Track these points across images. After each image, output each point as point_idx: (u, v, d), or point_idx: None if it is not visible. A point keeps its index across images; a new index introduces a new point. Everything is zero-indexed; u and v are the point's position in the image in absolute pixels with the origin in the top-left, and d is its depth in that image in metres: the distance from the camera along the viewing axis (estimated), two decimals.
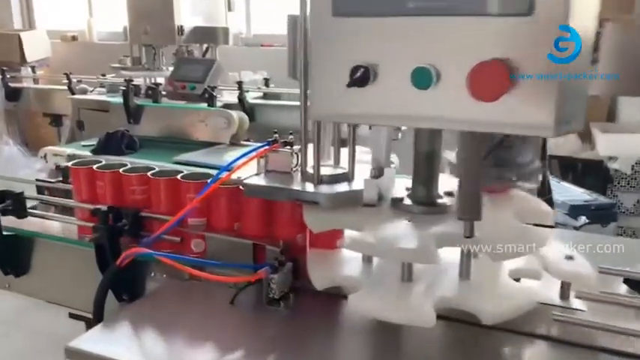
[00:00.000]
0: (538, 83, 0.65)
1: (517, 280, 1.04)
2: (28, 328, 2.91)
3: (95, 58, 4.46)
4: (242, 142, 2.71)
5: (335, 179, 1.10)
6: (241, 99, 3.14)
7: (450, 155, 1.08)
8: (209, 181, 1.16)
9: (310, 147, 1.06)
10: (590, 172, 3.29)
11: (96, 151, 2.37)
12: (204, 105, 2.88)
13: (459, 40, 0.68)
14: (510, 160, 1.05)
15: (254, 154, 1.13)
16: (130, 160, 1.57)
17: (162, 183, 1.26)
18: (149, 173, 1.28)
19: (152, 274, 1.28)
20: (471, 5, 0.68)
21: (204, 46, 3.64)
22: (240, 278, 1.08)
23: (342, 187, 1.07)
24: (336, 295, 1.08)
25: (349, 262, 1.09)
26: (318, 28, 0.78)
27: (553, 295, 1.06)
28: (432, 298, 0.91)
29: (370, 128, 1.09)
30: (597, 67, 0.79)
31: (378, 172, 1.03)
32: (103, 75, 3.92)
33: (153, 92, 2.99)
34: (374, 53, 0.73)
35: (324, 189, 1.05)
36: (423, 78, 0.69)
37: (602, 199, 2.71)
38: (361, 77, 0.72)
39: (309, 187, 1.07)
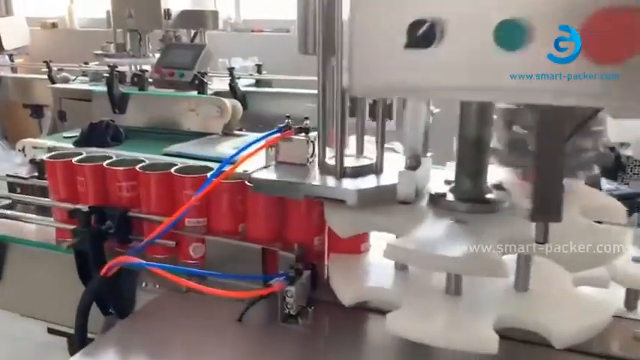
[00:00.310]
0: None
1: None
2: (8, 337, 2.71)
3: (77, 45, 4.25)
4: (235, 132, 2.54)
5: (359, 172, 0.92)
6: (233, 86, 2.96)
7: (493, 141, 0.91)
8: (209, 175, 0.98)
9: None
10: None
11: (78, 142, 2.18)
12: (195, 93, 2.71)
13: None
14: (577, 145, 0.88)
15: (263, 142, 0.95)
16: (115, 153, 1.39)
17: (153, 178, 1.07)
18: (138, 167, 1.10)
19: (144, 285, 1.10)
20: None
21: (192, 31, 3.47)
22: (251, 293, 0.90)
23: (370, 182, 0.89)
24: (361, 309, 0.92)
25: (379, 269, 0.91)
26: None
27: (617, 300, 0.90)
28: (490, 317, 0.74)
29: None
30: None
31: (414, 163, 0.85)
32: (86, 63, 3.72)
33: (139, 80, 2.80)
34: (441, 4, 0.55)
35: (349, 184, 0.88)
36: (509, 34, 0.52)
37: (624, 189, 2.55)
38: (425, 35, 0.54)
39: (331, 181, 0.89)
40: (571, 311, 0.78)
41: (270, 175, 0.93)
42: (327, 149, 0.95)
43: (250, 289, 0.92)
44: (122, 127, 2.39)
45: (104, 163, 1.12)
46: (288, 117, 0.96)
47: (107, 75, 2.66)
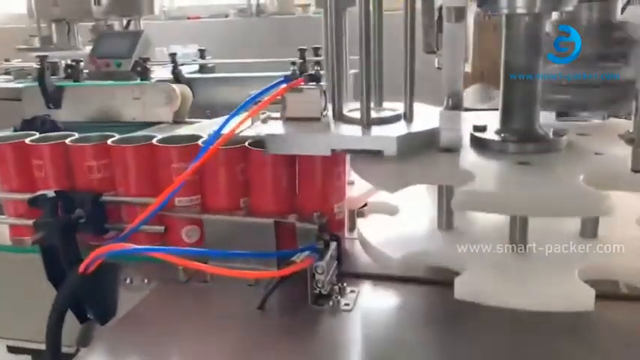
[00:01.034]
0: None
1: None
2: None
3: None
4: (187, 120, 2.37)
5: (386, 121, 0.79)
6: (176, 73, 2.75)
7: None
8: (206, 140, 0.82)
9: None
10: None
11: None
12: (137, 80, 2.50)
13: None
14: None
15: (269, 95, 0.80)
16: None
17: (130, 152, 0.90)
18: (109, 141, 0.92)
19: (127, 281, 0.92)
20: None
21: (125, 19, 3.24)
22: (271, 273, 0.75)
23: (404, 129, 0.76)
24: (401, 279, 0.79)
25: (420, 231, 0.78)
26: None
27: None
28: (574, 270, 0.62)
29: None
30: None
31: (457, 101, 0.72)
32: (7, 60, 3.42)
33: (73, 71, 2.55)
34: None
35: (383, 131, 0.74)
36: None
37: None
38: None
39: (359, 132, 0.75)
40: None
41: (281, 130, 0.78)
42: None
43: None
44: (59, 122, 2.16)
45: (67, 141, 0.93)
46: (293, 63, 0.82)
47: (38, 66, 2.41)
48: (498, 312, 0.61)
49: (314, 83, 0.82)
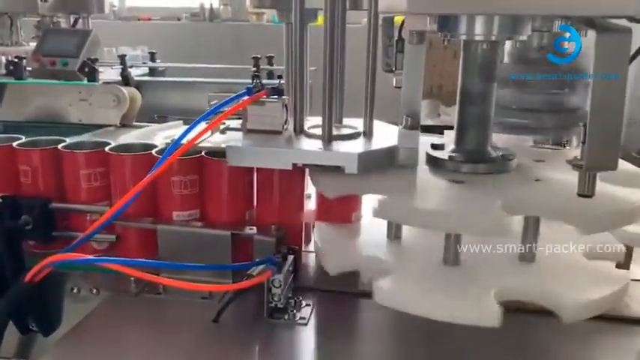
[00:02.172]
0: None
1: None
2: None
3: None
4: (135, 124, 2.31)
5: (347, 138, 0.80)
6: (125, 75, 2.68)
7: None
8: (167, 149, 0.80)
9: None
10: None
11: None
12: (85, 81, 2.43)
13: None
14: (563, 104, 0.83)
15: (230, 107, 0.80)
16: None
17: (82, 158, 0.87)
18: (60, 146, 0.89)
19: (74, 290, 0.89)
20: None
21: (73, 17, 3.14)
22: (226, 286, 0.75)
23: (363, 146, 0.78)
24: (357, 294, 0.80)
25: (369, 239, 0.80)
26: None
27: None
28: (491, 288, 0.65)
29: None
30: None
31: (414, 122, 0.75)
32: None
33: (16, 68, 2.44)
34: None
35: (344, 147, 0.75)
36: None
37: None
38: None
39: (319, 146, 0.76)
40: (581, 283, 0.71)
41: (244, 143, 0.78)
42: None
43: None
44: None
45: (14, 144, 0.89)
46: (257, 75, 0.82)
47: None
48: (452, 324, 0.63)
49: (276, 96, 0.82)
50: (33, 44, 2.86)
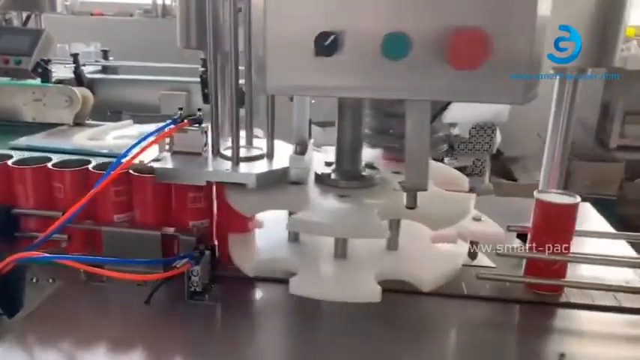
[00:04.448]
0: (511, 52, 0.66)
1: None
2: None
3: None
4: (87, 122, 2.46)
5: (252, 159, 1.03)
6: (78, 73, 2.81)
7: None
8: (108, 167, 1.01)
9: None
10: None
11: None
12: (37, 81, 2.55)
13: (435, 5, 0.66)
14: None
15: (161, 133, 1.01)
16: None
17: (30, 173, 1.08)
18: (9, 162, 1.09)
19: (33, 280, 1.09)
20: None
21: (25, 13, 3.22)
22: (162, 274, 0.97)
23: (264, 166, 1.00)
24: (262, 280, 1.03)
25: (273, 242, 1.03)
26: None
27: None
28: (372, 272, 0.90)
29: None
30: None
31: (302, 149, 0.98)
32: None
33: None
34: (342, 19, 0.67)
35: (247, 168, 0.98)
36: (394, 46, 0.66)
37: (455, 162, 2.97)
38: (329, 45, 0.66)
39: (229, 167, 0.98)
40: (432, 263, 0.97)
41: (169, 164, 0.99)
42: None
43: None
44: None
45: None
46: (180, 109, 1.03)
47: None
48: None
49: (197, 125, 1.04)
50: None
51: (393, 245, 1.00)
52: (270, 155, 1.04)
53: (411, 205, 0.86)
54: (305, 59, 0.69)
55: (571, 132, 1.12)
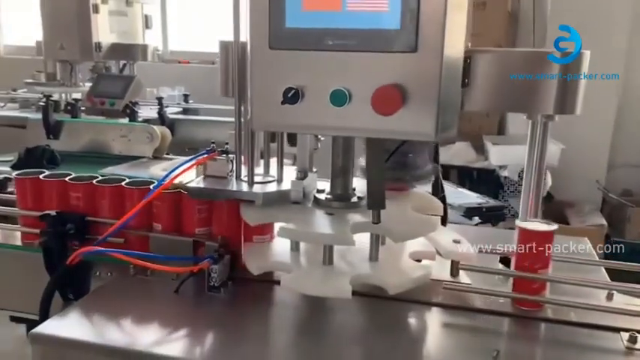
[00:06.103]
0: (423, 102, 0.89)
1: (418, 260, 1.28)
2: None
3: (2, 72, 4.35)
4: (164, 156, 2.81)
5: (265, 183, 1.29)
6: (161, 114, 3.22)
7: (362, 161, 1.31)
8: (152, 186, 1.31)
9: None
10: (484, 180, 3.72)
11: (16, 166, 2.37)
12: (126, 120, 2.96)
13: (365, 69, 0.91)
14: (407, 164, 1.30)
15: (194, 161, 1.30)
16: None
17: (107, 190, 1.39)
18: (94, 181, 1.41)
19: (97, 274, 1.40)
20: (374, 44, 0.92)
21: (122, 62, 3.70)
22: (184, 269, 1.24)
23: (272, 188, 1.26)
24: (268, 282, 1.27)
25: (279, 251, 1.28)
26: (258, 58, 0.99)
27: (446, 273, 1.31)
28: (348, 276, 1.12)
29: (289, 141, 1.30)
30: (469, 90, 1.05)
31: (303, 175, 1.24)
32: (14, 90, 3.85)
33: (72, 108, 3.02)
34: (302, 78, 0.94)
35: (258, 189, 1.24)
36: (338, 98, 0.92)
37: (492, 202, 3.10)
38: (292, 97, 0.93)
39: (245, 187, 1.25)
40: (401, 271, 1.17)
41: (201, 184, 1.28)
42: (243, 167, 1.31)
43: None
44: (57, 151, 2.60)
45: (67, 179, 1.42)
46: (213, 143, 1.32)
47: (42, 104, 2.87)
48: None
49: (224, 155, 1.32)
50: (88, 84, 3.43)
51: (374, 257, 1.21)
52: (279, 180, 1.29)
53: (375, 220, 1.08)
54: (277, 106, 0.95)
55: (544, 168, 1.28)
